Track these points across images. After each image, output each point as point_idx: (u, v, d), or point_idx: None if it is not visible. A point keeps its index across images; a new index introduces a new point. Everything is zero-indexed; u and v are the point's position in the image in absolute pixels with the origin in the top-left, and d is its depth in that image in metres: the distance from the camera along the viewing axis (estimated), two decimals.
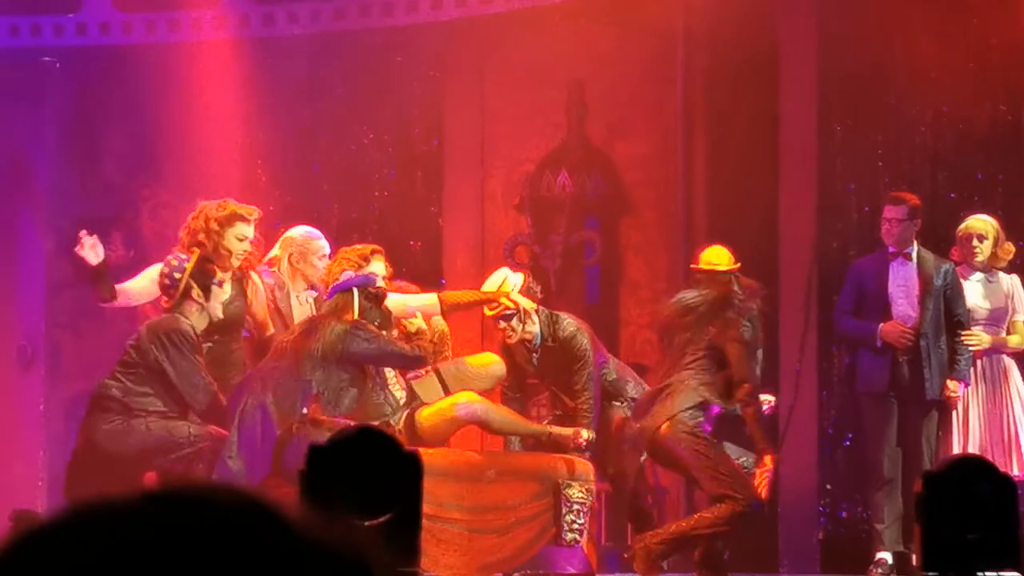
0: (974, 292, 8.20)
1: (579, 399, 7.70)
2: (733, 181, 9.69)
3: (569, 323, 7.86)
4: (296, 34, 10.56)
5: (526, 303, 7.77)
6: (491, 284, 7.93)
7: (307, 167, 10.62)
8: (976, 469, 4.14)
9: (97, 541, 1.18)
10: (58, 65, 10.87)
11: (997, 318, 8.19)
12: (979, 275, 8.24)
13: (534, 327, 7.78)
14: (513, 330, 7.77)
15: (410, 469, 4.14)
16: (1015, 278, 8.30)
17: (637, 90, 10.28)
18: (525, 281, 7.90)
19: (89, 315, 9.70)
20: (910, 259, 8.19)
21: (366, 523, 3.98)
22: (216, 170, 10.79)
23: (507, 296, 7.74)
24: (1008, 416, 8.04)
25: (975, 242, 8.18)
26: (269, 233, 8.32)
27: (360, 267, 7.43)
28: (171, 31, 10.81)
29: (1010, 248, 8.25)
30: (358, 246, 7.81)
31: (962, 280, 8.19)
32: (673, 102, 10.22)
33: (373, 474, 4.02)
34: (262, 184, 10.60)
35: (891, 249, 8.23)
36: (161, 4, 10.75)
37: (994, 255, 8.22)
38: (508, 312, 7.73)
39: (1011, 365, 8.17)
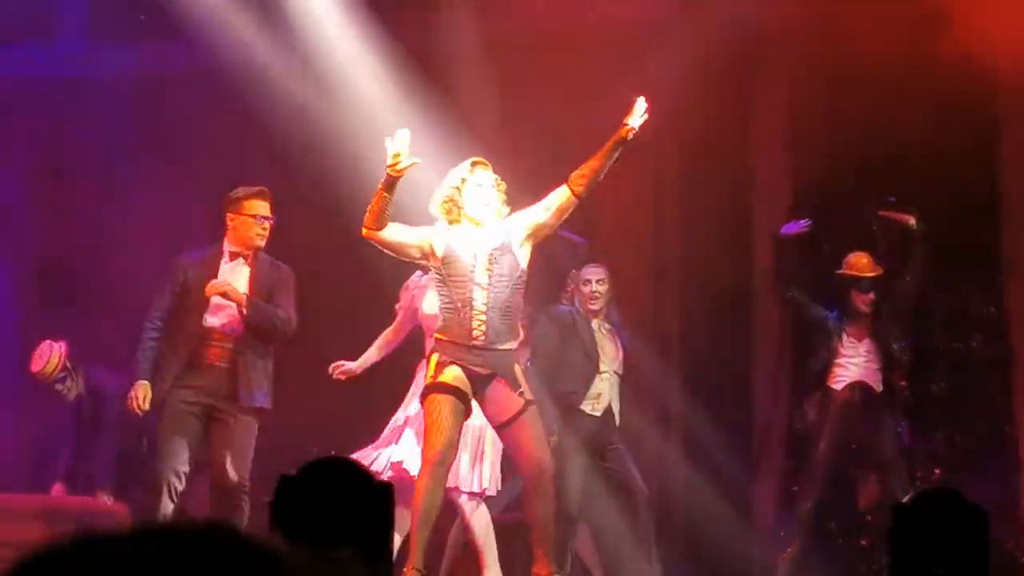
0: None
1: None
2: (707, 224, 9.62)
3: None
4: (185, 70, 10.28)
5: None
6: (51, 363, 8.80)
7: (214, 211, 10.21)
8: (948, 501, 4.13)
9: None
10: None
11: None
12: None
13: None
14: (68, 389, 8.82)
15: (381, 501, 4.09)
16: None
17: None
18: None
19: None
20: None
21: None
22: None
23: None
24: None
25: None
26: None
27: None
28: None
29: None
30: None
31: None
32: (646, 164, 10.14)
33: (342, 505, 3.98)
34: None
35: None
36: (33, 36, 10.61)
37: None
38: (62, 375, 8.77)
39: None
